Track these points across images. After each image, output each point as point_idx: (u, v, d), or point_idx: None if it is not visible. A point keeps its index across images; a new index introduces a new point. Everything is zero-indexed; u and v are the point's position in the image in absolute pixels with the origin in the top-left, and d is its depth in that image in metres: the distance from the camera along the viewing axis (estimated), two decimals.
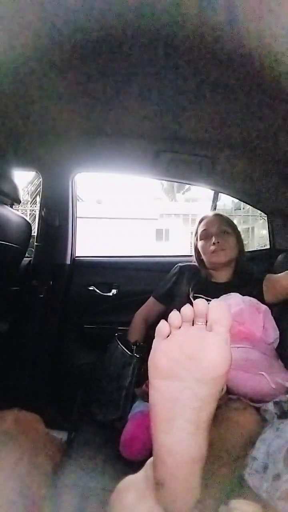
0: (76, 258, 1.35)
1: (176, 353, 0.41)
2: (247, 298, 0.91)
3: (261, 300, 0.94)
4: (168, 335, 0.43)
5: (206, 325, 0.42)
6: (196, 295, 1.01)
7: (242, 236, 1.14)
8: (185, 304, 1.01)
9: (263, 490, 0.46)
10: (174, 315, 0.43)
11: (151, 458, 0.44)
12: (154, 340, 0.44)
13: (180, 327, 0.43)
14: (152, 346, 0.44)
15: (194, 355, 0.40)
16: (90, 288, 1.31)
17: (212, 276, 1.09)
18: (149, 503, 0.39)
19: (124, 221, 9.87)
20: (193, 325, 0.42)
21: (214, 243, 1.04)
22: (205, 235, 1.07)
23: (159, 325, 0.44)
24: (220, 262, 1.04)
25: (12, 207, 1.09)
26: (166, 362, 0.41)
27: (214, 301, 0.43)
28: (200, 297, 1.00)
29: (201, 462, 0.40)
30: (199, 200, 11.27)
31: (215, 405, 0.40)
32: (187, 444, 0.39)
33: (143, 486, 0.41)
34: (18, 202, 1.10)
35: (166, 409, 0.40)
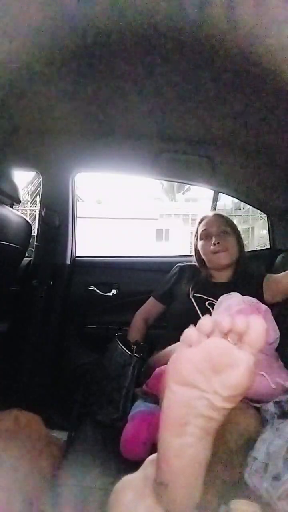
0: (76, 258, 1.35)
1: (201, 363, 0.40)
2: (247, 298, 0.91)
3: (261, 300, 0.94)
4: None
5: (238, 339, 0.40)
6: (196, 295, 1.01)
7: (242, 236, 1.14)
8: (185, 304, 0.99)
9: (263, 490, 0.46)
10: (206, 322, 0.42)
11: (150, 457, 0.44)
12: (180, 345, 0.42)
13: (208, 336, 0.41)
14: (177, 350, 0.43)
15: (219, 369, 0.39)
16: (90, 288, 1.31)
17: (212, 276, 1.09)
18: (147, 502, 0.39)
19: (124, 221, 9.86)
20: (224, 337, 0.41)
21: (214, 243, 1.04)
22: (205, 235, 1.07)
23: (187, 330, 0.42)
24: (220, 262, 1.04)
25: (12, 207, 1.09)
26: (189, 370, 0.40)
27: (254, 318, 0.41)
28: (200, 297, 1.00)
29: (206, 465, 0.40)
30: (199, 200, 11.27)
31: (227, 416, 0.40)
32: (195, 448, 0.39)
33: (141, 486, 0.41)
34: (18, 202, 1.10)
35: (180, 414, 0.40)
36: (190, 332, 0.42)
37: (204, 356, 0.40)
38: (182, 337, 0.42)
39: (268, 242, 1.45)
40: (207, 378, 0.39)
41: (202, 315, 0.44)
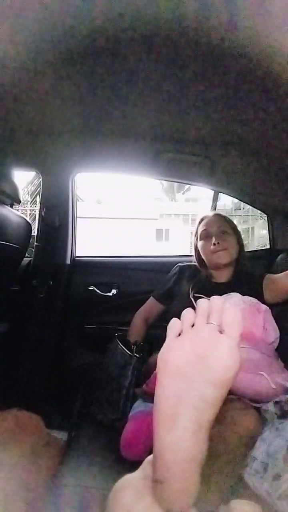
0: (76, 258, 1.35)
1: (187, 353, 0.41)
2: (247, 298, 0.91)
3: (261, 300, 0.94)
4: (180, 333, 0.43)
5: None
6: (196, 295, 1.01)
7: (242, 236, 1.14)
8: (185, 304, 1.00)
9: (263, 490, 0.46)
10: (188, 312, 0.44)
11: (149, 457, 0.44)
12: (167, 338, 0.44)
13: (193, 326, 0.43)
14: (164, 343, 0.44)
15: (204, 356, 0.40)
16: (90, 288, 1.31)
17: (212, 276, 1.09)
18: (146, 502, 0.39)
19: (124, 221, 9.86)
20: (207, 323, 0.43)
21: (214, 243, 1.03)
22: (205, 235, 1.07)
23: (171, 322, 0.44)
24: (220, 262, 1.04)
25: (12, 207, 1.09)
26: (176, 361, 0.41)
27: (228, 303, 0.43)
28: (201, 297, 1.00)
29: (201, 461, 0.40)
30: (199, 200, 11.28)
31: (219, 407, 0.40)
32: (188, 442, 0.39)
33: (140, 485, 0.41)
34: (18, 202, 1.10)
35: (171, 407, 0.40)
36: (174, 323, 0.44)
37: (189, 345, 0.41)
38: (168, 329, 0.44)
39: (268, 242, 1.45)
40: (194, 366, 0.40)
41: None
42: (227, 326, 0.41)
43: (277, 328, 0.89)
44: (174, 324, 0.44)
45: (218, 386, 0.39)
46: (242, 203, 1.66)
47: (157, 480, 0.39)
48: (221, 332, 0.42)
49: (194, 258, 1.13)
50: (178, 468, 0.39)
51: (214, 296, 0.45)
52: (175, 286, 1.11)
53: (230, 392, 0.69)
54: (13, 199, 1.07)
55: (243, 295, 0.92)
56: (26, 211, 6.12)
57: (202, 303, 0.44)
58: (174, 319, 0.44)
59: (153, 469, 0.41)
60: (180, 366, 0.41)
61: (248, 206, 1.90)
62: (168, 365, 0.42)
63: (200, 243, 1.09)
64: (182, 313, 0.44)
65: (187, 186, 10.82)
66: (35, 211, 5.29)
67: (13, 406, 0.62)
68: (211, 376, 0.39)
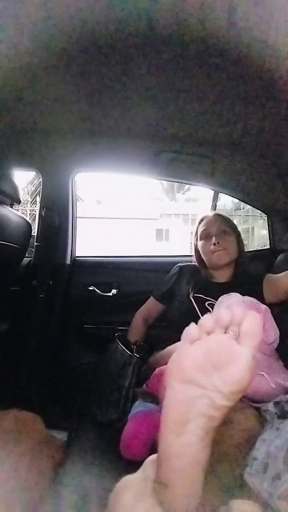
0: (76, 258, 1.35)
1: (202, 360, 0.40)
2: (247, 298, 0.91)
3: (261, 300, 0.94)
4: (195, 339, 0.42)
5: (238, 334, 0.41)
6: (196, 295, 1.01)
7: (242, 236, 1.14)
8: (185, 304, 1.00)
9: (263, 490, 0.46)
10: (207, 319, 0.42)
11: (149, 458, 0.44)
12: (182, 342, 0.43)
13: (209, 333, 0.42)
14: (179, 348, 0.43)
15: (220, 366, 0.39)
16: (90, 288, 1.31)
17: (212, 276, 1.09)
18: (147, 503, 0.39)
19: (124, 221, 9.87)
20: (225, 332, 0.42)
21: (214, 243, 1.03)
22: (205, 235, 1.07)
23: (188, 327, 0.43)
24: (220, 262, 1.04)
25: (12, 207, 1.09)
26: (190, 367, 0.40)
27: (250, 312, 0.42)
28: (201, 297, 1.00)
29: (205, 465, 0.40)
30: (199, 200, 11.28)
31: (227, 414, 0.40)
32: (195, 447, 0.39)
33: (141, 486, 0.41)
34: (18, 202, 1.10)
35: (181, 412, 0.40)
36: (191, 329, 0.43)
37: (204, 353, 0.40)
38: (183, 335, 0.43)
39: (268, 242, 1.45)
40: (208, 375, 0.40)
41: (202, 315, 0.44)
42: (245, 336, 0.40)
43: (277, 328, 0.88)
44: (190, 330, 0.43)
45: (230, 397, 0.39)
46: (242, 203, 1.66)
47: (161, 482, 0.39)
48: (238, 340, 0.40)
49: (194, 258, 1.13)
50: (183, 473, 0.39)
51: (236, 306, 0.43)
52: (175, 286, 1.11)
53: None
54: (13, 199, 1.07)
55: (243, 295, 0.92)
56: (26, 211, 6.12)
57: (225, 313, 0.42)
58: (192, 325, 0.43)
59: (156, 472, 0.41)
60: (193, 373, 0.40)
61: (248, 206, 1.90)
62: (181, 371, 0.41)
63: (200, 243, 1.09)
64: (200, 319, 0.43)
65: (187, 186, 10.83)
66: (35, 211, 5.29)
67: (13, 406, 0.62)
68: (224, 387, 0.39)
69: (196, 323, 0.43)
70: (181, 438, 0.39)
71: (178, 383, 0.41)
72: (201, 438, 0.39)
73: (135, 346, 0.92)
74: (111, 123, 0.98)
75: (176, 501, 0.38)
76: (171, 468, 0.39)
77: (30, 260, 1.29)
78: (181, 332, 0.43)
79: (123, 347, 0.93)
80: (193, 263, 1.13)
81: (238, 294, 0.92)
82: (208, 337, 0.42)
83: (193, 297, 1.01)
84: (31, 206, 6.44)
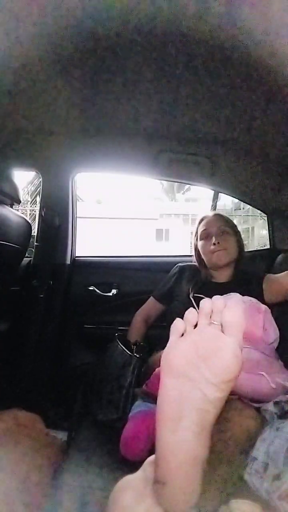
0: (76, 258, 1.35)
1: (190, 353, 0.41)
2: (247, 298, 0.91)
3: (261, 300, 0.94)
4: (183, 334, 0.43)
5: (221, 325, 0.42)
6: (196, 295, 1.01)
7: (242, 236, 1.14)
8: (185, 304, 1.00)
9: (263, 490, 0.46)
10: (190, 313, 0.44)
11: (149, 458, 0.44)
12: (170, 338, 0.44)
13: (195, 326, 0.43)
14: (167, 344, 0.44)
15: (207, 356, 0.40)
16: (90, 288, 1.31)
17: (212, 276, 1.09)
18: (147, 503, 0.39)
19: (124, 221, 9.86)
20: (209, 323, 0.43)
21: (214, 243, 1.03)
22: (205, 235, 1.07)
23: (174, 322, 0.44)
24: (220, 262, 1.04)
25: (12, 207, 1.09)
26: (179, 361, 0.41)
27: (230, 302, 0.43)
28: (201, 297, 1.00)
29: (203, 462, 0.40)
30: (199, 200, 11.28)
31: (221, 408, 0.40)
32: (191, 444, 0.39)
33: (141, 486, 0.41)
34: (18, 202, 1.10)
35: (174, 408, 0.40)
36: (177, 324, 0.43)
37: (191, 346, 0.41)
38: (171, 330, 0.44)
39: (268, 242, 1.45)
40: (196, 367, 0.40)
41: None
42: (228, 326, 0.41)
43: (277, 328, 0.89)
44: (177, 325, 0.44)
45: (221, 387, 0.39)
46: (242, 203, 1.66)
47: (159, 481, 0.39)
48: (223, 332, 0.41)
49: (194, 258, 1.13)
50: (180, 470, 0.38)
51: (216, 296, 0.45)
52: (175, 286, 1.11)
53: (230, 392, 0.69)
54: (13, 199, 1.07)
55: (243, 295, 0.92)
56: (26, 211, 6.12)
57: (205, 303, 0.44)
58: (178, 320, 0.44)
59: (154, 470, 0.41)
60: (183, 367, 0.41)
61: (248, 206, 1.90)
62: (171, 366, 0.41)
63: (200, 243, 1.09)
64: (185, 314, 0.44)
65: (187, 186, 10.83)
66: (35, 211, 5.29)
67: (13, 406, 0.62)
68: (214, 377, 0.39)
69: None
70: (176, 435, 0.39)
71: (169, 379, 0.41)
72: (197, 435, 0.39)
73: (135, 346, 0.92)
74: (111, 123, 0.98)
75: (174, 500, 0.38)
76: (168, 465, 0.39)
77: (30, 260, 1.29)
78: None
79: (123, 347, 0.92)
80: (193, 263, 1.13)
81: (238, 294, 0.92)
82: (194, 330, 0.43)
83: (193, 297, 1.01)
84: (31, 206, 6.44)
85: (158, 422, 0.41)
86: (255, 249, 1.74)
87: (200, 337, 0.42)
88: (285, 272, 0.98)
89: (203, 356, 0.40)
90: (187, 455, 0.39)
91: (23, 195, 1.15)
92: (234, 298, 0.91)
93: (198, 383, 0.39)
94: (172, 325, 0.44)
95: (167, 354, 0.43)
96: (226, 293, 0.93)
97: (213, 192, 1.48)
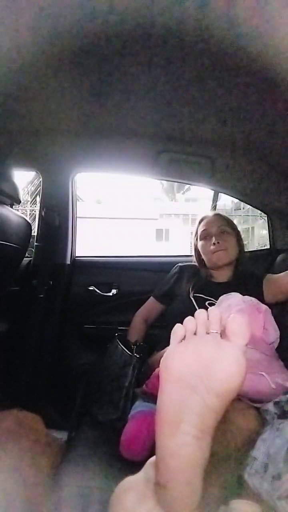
0: (76, 258, 1.35)
1: (191, 359, 0.40)
2: (247, 298, 0.91)
3: (261, 300, 0.94)
4: (183, 339, 0.43)
5: (221, 334, 0.42)
6: (196, 295, 1.01)
7: (242, 236, 1.14)
8: (185, 304, 1.00)
9: (263, 490, 0.45)
10: (190, 320, 0.43)
11: (151, 459, 0.44)
12: (170, 344, 0.44)
13: (195, 333, 0.42)
14: (168, 349, 0.43)
15: (209, 364, 0.39)
16: (90, 288, 1.31)
17: (212, 276, 1.09)
18: (149, 504, 0.39)
19: (124, 221, 9.86)
20: (207, 332, 0.42)
21: (214, 243, 1.03)
22: (205, 235, 1.07)
23: (175, 328, 0.44)
24: (220, 262, 1.04)
25: (12, 207, 1.09)
26: (179, 367, 0.40)
27: (235, 314, 0.43)
28: (201, 297, 1.00)
29: (204, 466, 0.40)
30: (199, 200, 11.29)
31: (222, 413, 0.40)
32: (191, 448, 0.38)
33: (143, 487, 0.41)
34: (18, 202, 1.10)
35: (173, 413, 0.39)
36: (178, 329, 0.43)
37: (192, 352, 0.41)
38: (171, 335, 0.43)
39: (268, 242, 1.45)
40: (198, 375, 0.39)
41: None
42: (233, 334, 0.41)
43: (277, 328, 0.88)
44: (177, 330, 0.43)
45: (222, 396, 0.39)
46: (242, 203, 1.66)
47: (160, 484, 0.39)
48: (226, 339, 0.41)
49: (194, 258, 1.13)
50: (181, 474, 0.38)
51: (211, 308, 0.44)
52: (175, 286, 1.11)
53: None
54: (13, 199, 1.07)
55: (243, 295, 0.92)
56: (26, 211, 6.12)
57: (200, 314, 0.43)
58: (177, 325, 0.44)
59: (155, 473, 0.41)
60: (183, 373, 0.40)
61: (248, 206, 1.90)
62: (170, 372, 0.41)
63: (200, 243, 1.09)
64: (184, 321, 0.44)
65: (187, 186, 10.83)
66: (35, 211, 5.29)
67: (13, 406, 0.62)
68: (215, 386, 0.38)
69: None
70: (175, 439, 0.39)
71: (168, 384, 0.41)
72: (197, 438, 0.39)
73: (135, 346, 0.92)
74: (111, 123, 0.98)
75: (175, 502, 0.38)
76: (168, 469, 0.39)
77: (30, 260, 1.29)
78: None
79: (123, 347, 0.92)
80: (193, 263, 1.13)
81: (238, 294, 0.92)
82: (194, 337, 0.42)
83: (193, 297, 1.01)
84: (31, 206, 6.44)
85: (158, 426, 0.41)
86: (255, 249, 1.74)
87: (202, 343, 0.41)
88: (285, 272, 0.98)
89: (204, 363, 0.40)
90: (186, 459, 0.38)
91: (23, 195, 1.15)
92: (234, 298, 0.91)
93: (198, 390, 0.39)
94: (172, 331, 0.44)
95: (166, 360, 0.42)
96: (226, 293, 0.93)
97: (213, 192, 1.48)
